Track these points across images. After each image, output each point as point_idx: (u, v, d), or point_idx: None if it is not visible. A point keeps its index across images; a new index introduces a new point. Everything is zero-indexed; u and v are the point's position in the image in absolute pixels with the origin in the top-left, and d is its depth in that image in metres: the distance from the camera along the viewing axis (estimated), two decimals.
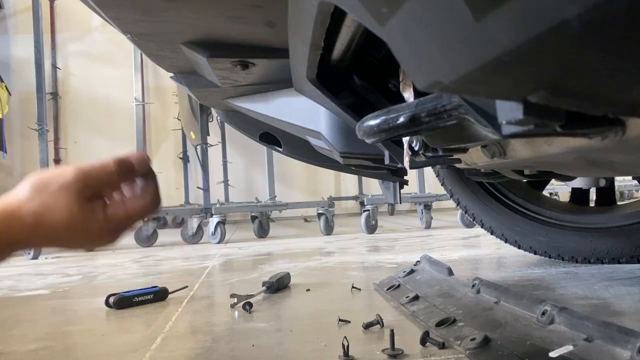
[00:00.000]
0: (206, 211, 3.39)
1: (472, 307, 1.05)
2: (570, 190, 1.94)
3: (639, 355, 0.64)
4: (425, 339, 0.90)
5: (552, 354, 0.74)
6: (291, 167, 5.49)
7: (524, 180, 1.91)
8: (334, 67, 0.75)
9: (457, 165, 1.01)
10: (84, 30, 5.48)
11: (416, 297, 1.20)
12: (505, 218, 1.75)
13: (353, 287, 1.45)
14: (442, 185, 1.89)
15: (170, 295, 1.48)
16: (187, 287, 1.57)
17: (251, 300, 1.33)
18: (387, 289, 1.37)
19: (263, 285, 1.47)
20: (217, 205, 3.34)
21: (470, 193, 1.78)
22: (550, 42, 0.21)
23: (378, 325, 1.03)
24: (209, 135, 4.03)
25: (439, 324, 0.99)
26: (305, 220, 5.12)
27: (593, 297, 1.21)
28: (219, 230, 3.23)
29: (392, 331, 0.88)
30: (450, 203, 4.13)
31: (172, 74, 1.00)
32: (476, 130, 0.61)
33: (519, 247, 1.76)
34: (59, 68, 5.38)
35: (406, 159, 0.76)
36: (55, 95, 5.34)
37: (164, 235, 3.63)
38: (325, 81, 0.77)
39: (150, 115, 5.57)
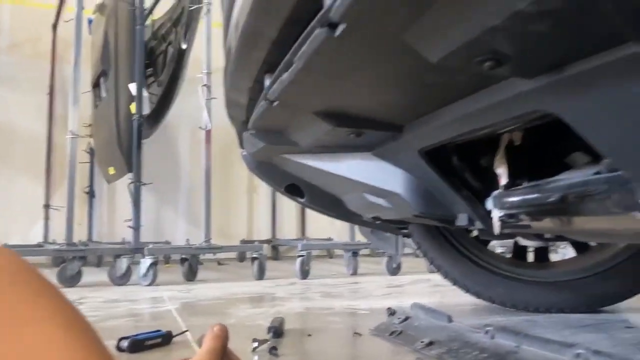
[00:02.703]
0: (136, 251, 3.29)
1: (495, 350, 1.20)
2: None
3: None
4: None
5: None
6: (202, 209, 5.44)
7: (472, 236, 2.16)
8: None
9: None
10: None
11: (431, 343, 1.33)
12: (468, 270, 1.96)
13: (355, 332, 1.54)
14: (410, 237, 2.06)
15: (172, 339, 1.48)
16: (187, 331, 1.57)
17: (264, 345, 1.38)
18: (390, 334, 1.49)
19: (269, 331, 1.52)
20: (151, 246, 3.25)
21: (438, 247, 1.97)
22: None
23: None
24: (131, 172, 3.92)
25: None
26: (219, 263, 5.06)
27: (578, 345, 1.41)
28: (151, 271, 3.14)
29: None
30: (367, 250, 4.35)
31: (253, 131, 1.08)
32: (589, 207, 0.77)
33: (478, 297, 1.97)
34: None
35: (497, 225, 0.90)
36: None
37: (85, 275, 3.44)
38: (430, 155, 0.91)
39: (56, 146, 5.25)
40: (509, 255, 2.18)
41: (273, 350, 1.33)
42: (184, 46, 3.66)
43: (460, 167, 0.96)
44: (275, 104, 0.83)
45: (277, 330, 1.52)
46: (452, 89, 0.71)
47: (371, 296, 2.55)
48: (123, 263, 3.19)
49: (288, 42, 0.68)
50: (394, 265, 3.59)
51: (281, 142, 1.07)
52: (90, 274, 3.60)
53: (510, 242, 2.14)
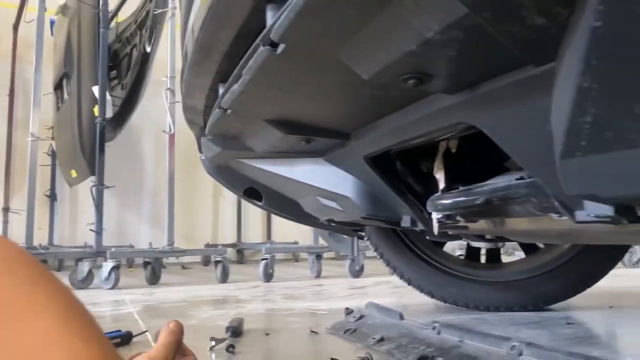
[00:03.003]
0: (98, 254, 3.28)
1: (440, 345, 1.28)
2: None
3: None
4: None
5: None
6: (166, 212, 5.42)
7: (427, 238, 2.24)
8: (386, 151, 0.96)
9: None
10: None
11: (382, 339, 1.40)
12: (422, 271, 2.04)
13: (311, 331, 1.60)
14: (367, 239, 2.13)
15: (132, 339, 1.51)
16: (147, 331, 1.60)
17: (222, 343, 1.43)
18: (345, 332, 1.55)
19: (227, 331, 1.56)
20: (113, 249, 3.24)
21: (393, 248, 2.05)
22: None
23: None
24: (93, 175, 3.90)
25: (420, 359, 1.20)
26: (183, 267, 5.05)
27: (514, 339, 1.50)
28: (113, 275, 3.14)
29: None
30: (330, 253, 4.44)
31: (210, 136, 1.13)
32: (514, 209, 0.85)
33: (432, 297, 2.05)
34: None
35: (436, 226, 0.98)
36: None
37: None
38: (375, 161, 0.98)
39: (16, 148, 5.16)
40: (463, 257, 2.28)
41: (230, 348, 1.37)
42: (148, 49, 3.66)
43: (403, 172, 1.03)
44: (229, 112, 0.89)
45: (235, 330, 1.56)
46: (390, 102, 0.77)
47: (333, 297, 2.61)
48: (85, 267, 3.18)
49: (238, 55, 0.74)
50: (357, 268, 3.66)
51: (237, 147, 1.12)
52: None
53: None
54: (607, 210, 0.63)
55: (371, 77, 0.61)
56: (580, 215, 0.68)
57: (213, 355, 1.35)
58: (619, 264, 4.21)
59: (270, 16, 0.60)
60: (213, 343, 1.40)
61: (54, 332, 0.35)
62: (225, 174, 1.43)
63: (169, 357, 0.71)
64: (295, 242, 4.94)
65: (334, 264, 4.53)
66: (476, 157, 1.06)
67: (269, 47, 0.60)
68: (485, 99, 0.62)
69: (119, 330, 1.50)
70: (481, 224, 1.04)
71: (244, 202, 5.77)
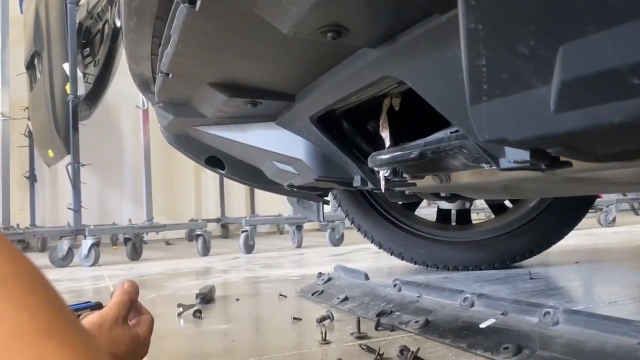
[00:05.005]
0: (77, 232, 3.28)
1: (400, 301, 1.31)
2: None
3: (545, 318, 0.95)
4: (378, 325, 1.14)
5: (482, 325, 1.02)
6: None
7: (400, 203, 2.27)
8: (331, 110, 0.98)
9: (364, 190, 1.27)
10: None
11: (346, 298, 1.44)
12: (392, 234, 2.07)
13: (280, 294, 1.63)
14: (338, 206, 2.16)
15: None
16: None
17: (190, 310, 1.45)
18: (312, 294, 1.58)
19: (197, 297, 1.59)
20: (91, 227, 3.25)
21: (363, 213, 2.08)
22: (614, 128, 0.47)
23: (329, 320, 1.25)
24: (69, 153, 3.87)
25: (379, 314, 1.24)
26: (167, 243, 5.07)
27: (476, 293, 1.55)
28: (92, 252, 3.15)
29: (358, 318, 1.10)
30: (313, 224, 4.47)
31: (161, 104, 1.13)
32: (451, 162, 0.87)
33: (402, 259, 2.09)
34: None
35: (382, 183, 1.00)
36: None
37: None
38: (322, 121, 0.99)
39: None
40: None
41: (197, 313, 1.40)
42: (118, 24, 3.61)
43: (350, 132, 1.04)
44: (170, 76, 0.89)
45: (205, 297, 1.59)
46: (323, 59, 0.79)
47: (309, 265, 2.65)
48: (64, 245, 3.18)
49: (167, 16, 0.74)
50: (337, 237, 3.70)
51: (188, 113, 1.13)
52: (32, 259, 3.58)
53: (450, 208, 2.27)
54: (524, 155, 0.65)
55: (290, 30, 0.62)
56: (503, 162, 0.70)
57: (181, 321, 1.38)
58: (595, 223, 4.27)
59: None
60: (180, 309, 1.43)
61: (15, 303, 0.31)
62: (185, 142, 1.44)
63: (120, 315, 0.74)
64: (279, 215, 4.97)
65: (320, 235, 4.57)
66: (425, 114, 1.08)
67: (187, 4, 0.61)
68: (403, 51, 0.64)
69: (89, 302, 1.51)
70: (428, 181, 1.07)
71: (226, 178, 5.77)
